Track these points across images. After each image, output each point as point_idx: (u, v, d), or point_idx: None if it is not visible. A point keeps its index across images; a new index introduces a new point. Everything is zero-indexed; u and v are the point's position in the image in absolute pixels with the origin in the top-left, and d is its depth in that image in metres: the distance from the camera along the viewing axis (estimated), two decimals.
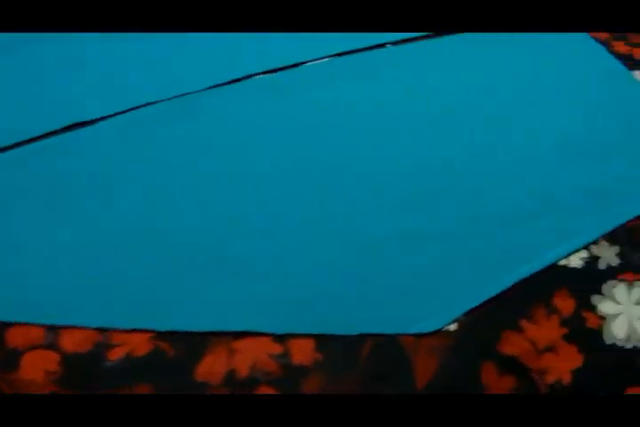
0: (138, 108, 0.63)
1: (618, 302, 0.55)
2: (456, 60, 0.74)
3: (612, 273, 0.57)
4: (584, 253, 0.58)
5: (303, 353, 0.48)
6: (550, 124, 0.68)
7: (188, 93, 0.64)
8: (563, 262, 0.57)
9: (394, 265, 0.54)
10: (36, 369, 0.45)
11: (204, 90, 0.65)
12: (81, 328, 0.48)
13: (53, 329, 0.48)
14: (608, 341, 0.52)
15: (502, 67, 0.74)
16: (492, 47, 0.76)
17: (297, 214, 0.57)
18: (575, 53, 0.77)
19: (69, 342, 0.47)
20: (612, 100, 0.71)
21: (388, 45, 0.72)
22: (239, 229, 0.55)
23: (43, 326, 0.48)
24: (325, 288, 0.52)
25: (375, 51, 0.71)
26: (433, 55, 0.73)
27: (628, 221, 0.61)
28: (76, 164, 0.58)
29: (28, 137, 0.60)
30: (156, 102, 0.64)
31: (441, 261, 0.55)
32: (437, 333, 0.50)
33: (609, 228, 0.60)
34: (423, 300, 0.52)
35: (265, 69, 0.68)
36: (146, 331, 0.48)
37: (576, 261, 0.57)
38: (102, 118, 0.62)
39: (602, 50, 0.78)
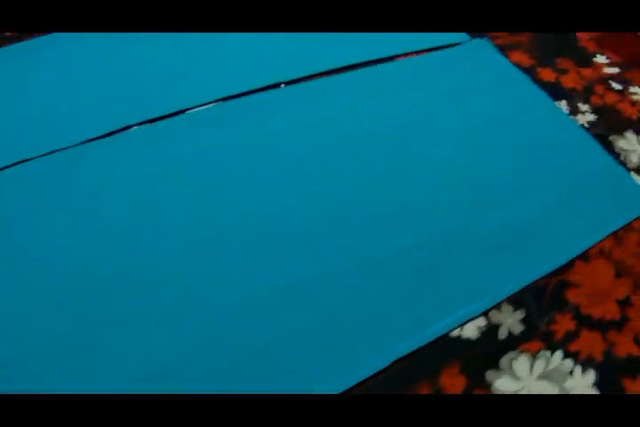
0: (10, 166, 0.59)
1: (517, 378, 0.49)
2: (356, 95, 0.67)
3: (514, 343, 0.51)
4: (482, 321, 0.52)
5: None
6: (457, 167, 0.61)
7: (62, 149, 0.60)
8: (455, 333, 0.51)
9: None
10: None
11: (78, 144, 0.61)
12: None
13: None
14: None
15: (413, 100, 0.67)
16: (400, 79, 0.70)
17: (180, 274, 0.52)
18: (495, 84, 0.69)
19: None
20: (533, 137, 0.64)
21: (282, 85, 0.66)
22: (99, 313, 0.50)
23: None
24: (212, 345, 0.47)
25: (269, 91, 0.66)
26: (329, 92, 0.67)
27: (536, 280, 0.54)
28: None
29: None
30: (30, 159, 0.60)
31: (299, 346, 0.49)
32: None
33: (514, 289, 0.53)
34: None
35: (143, 119, 0.62)
36: None
37: (471, 330, 0.51)
38: None
39: (525, 79, 0.70)
